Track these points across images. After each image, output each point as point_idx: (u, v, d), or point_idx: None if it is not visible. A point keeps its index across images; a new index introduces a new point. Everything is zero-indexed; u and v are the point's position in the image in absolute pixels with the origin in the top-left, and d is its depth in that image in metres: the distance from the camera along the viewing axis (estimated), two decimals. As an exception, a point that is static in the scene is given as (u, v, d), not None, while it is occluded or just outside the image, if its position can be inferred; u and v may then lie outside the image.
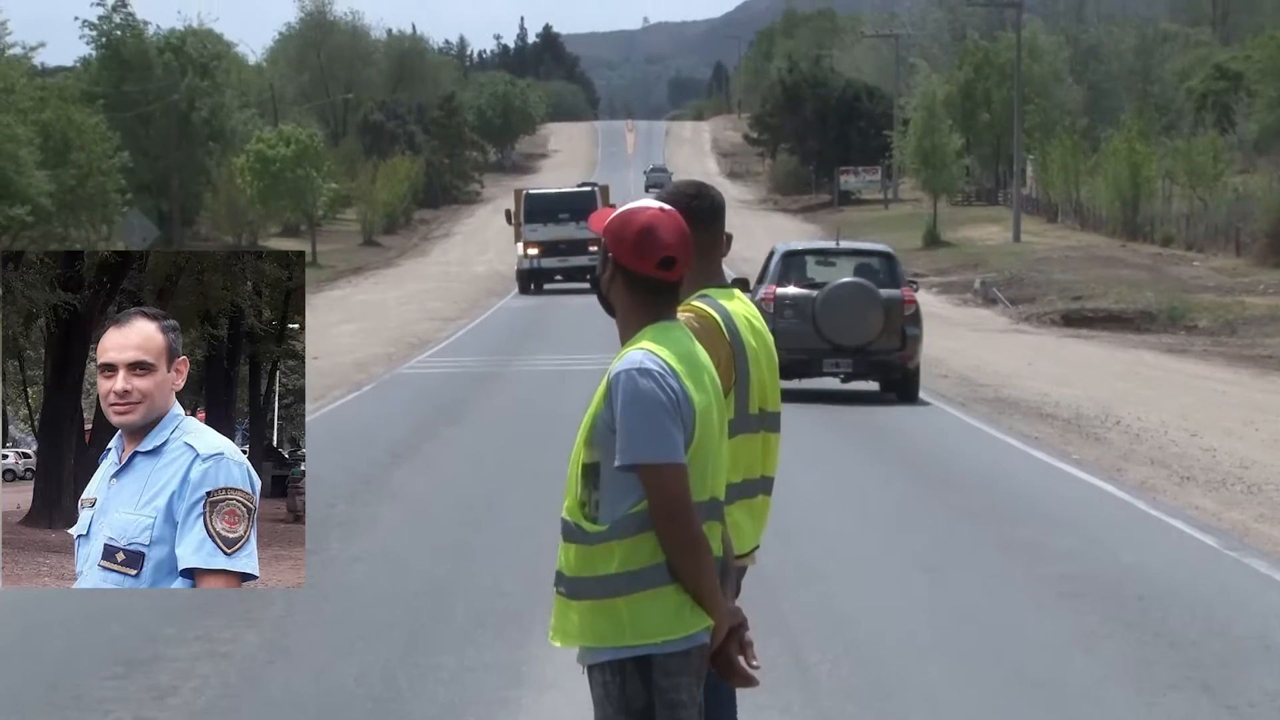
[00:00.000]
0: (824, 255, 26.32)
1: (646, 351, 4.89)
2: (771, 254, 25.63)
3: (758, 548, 6.00)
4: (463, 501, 15.92)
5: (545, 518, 14.23)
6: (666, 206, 5.15)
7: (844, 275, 24.92)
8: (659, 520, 4.82)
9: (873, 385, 25.39)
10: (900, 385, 25.01)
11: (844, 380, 24.95)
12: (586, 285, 52.76)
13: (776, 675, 8.85)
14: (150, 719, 8.79)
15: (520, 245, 59.21)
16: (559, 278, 58.44)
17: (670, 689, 4.85)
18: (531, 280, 58.60)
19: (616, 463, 4.81)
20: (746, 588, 5.84)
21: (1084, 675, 9.39)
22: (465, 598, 11.51)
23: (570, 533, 4.93)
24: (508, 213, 62.06)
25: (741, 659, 5.06)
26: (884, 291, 24.49)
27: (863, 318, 24.06)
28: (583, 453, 4.93)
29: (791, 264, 25.26)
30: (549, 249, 57.80)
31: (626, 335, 5.04)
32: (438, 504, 15.85)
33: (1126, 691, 9.10)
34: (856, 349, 24.31)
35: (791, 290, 24.52)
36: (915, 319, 24.90)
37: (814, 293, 24.31)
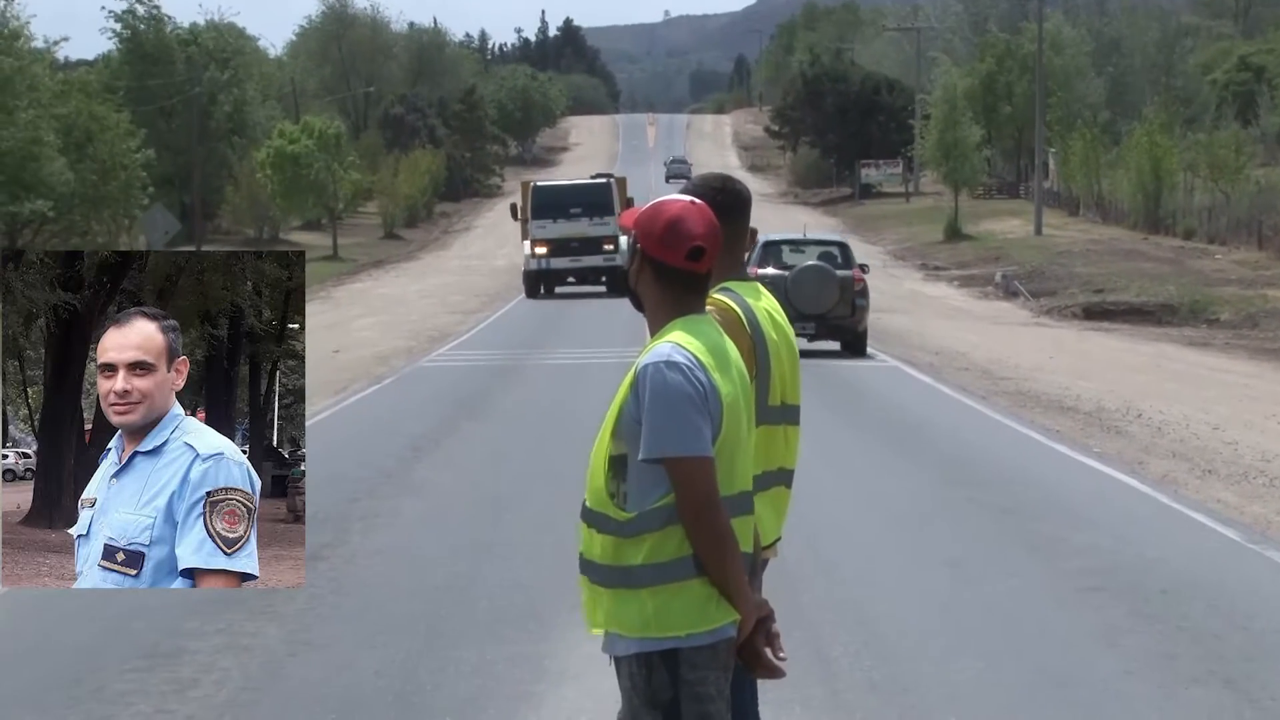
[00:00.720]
0: (795, 244, 33.26)
1: (675, 344, 4.88)
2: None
3: (779, 539, 6.00)
4: (483, 495, 15.91)
5: (565, 512, 14.22)
6: (695, 199, 5.14)
7: (809, 260, 31.74)
8: (686, 514, 4.81)
9: (835, 345, 31.80)
10: (852, 344, 31.80)
11: (810, 340, 30.73)
12: (602, 288, 51.85)
13: (798, 668, 8.83)
14: (172, 712, 8.80)
15: (527, 244, 52.82)
16: (571, 280, 53.60)
17: (697, 682, 4.84)
18: (540, 283, 53.15)
19: (641, 455, 4.80)
20: (768, 580, 5.83)
21: (1106, 670, 9.37)
22: (486, 591, 11.51)
23: (599, 521, 4.92)
24: (513, 207, 55.03)
25: (768, 650, 5.05)
26: (840, 272, 31.13)
27: (823, 292, 30.59)
28: (609, 444, 4.92)
29: (769, 251, 31.86)
30: (559, 248, 52.01)
31: (655, 327, 5.03)
32: (459, 498, 15.85)
33: (1149, 686, 9.08)
34: (818, 316, 30.82)
35: (769, 271, 30.42)
36: (864, 293, 31.44)
37: (786, 273, 30.60)
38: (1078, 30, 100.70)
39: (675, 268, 4.99)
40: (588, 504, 4.95)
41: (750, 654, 5.03)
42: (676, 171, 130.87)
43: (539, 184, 55.44)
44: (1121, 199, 77.39)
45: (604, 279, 52.26)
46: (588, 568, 4.96)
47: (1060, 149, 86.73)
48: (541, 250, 52.04)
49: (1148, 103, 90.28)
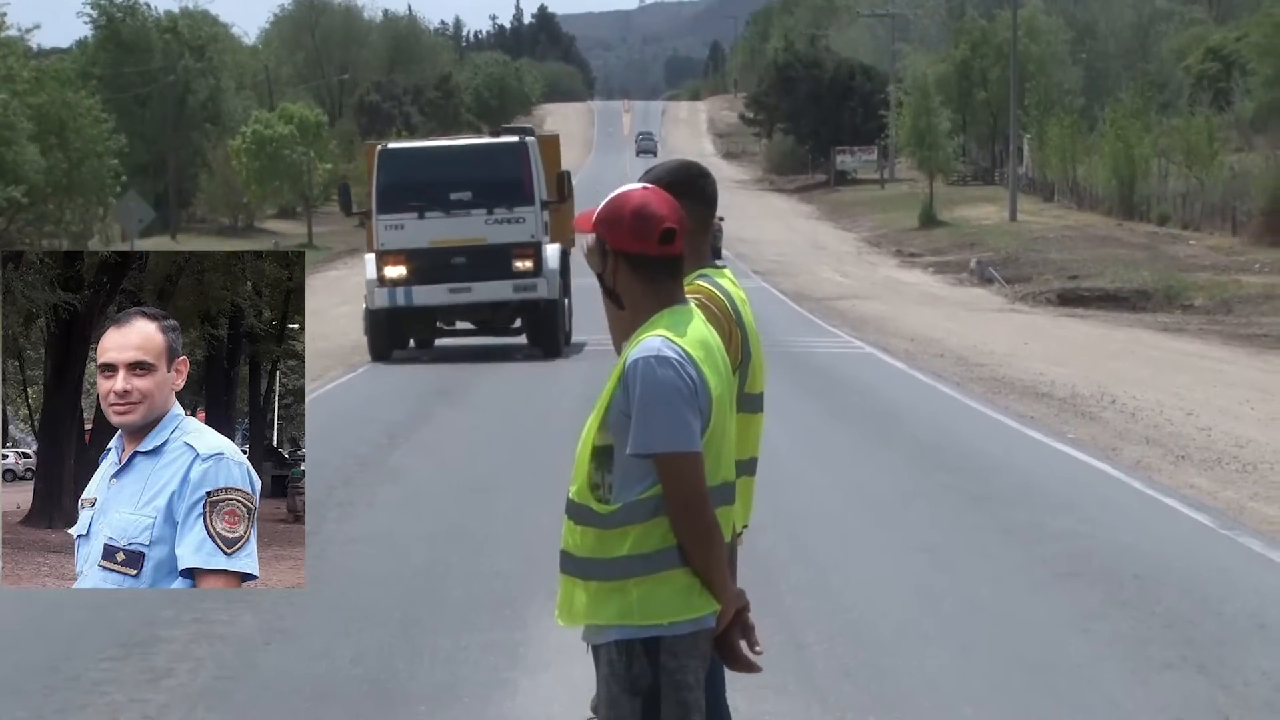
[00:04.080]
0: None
1: (664, 339, 4.87)
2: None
3: (746, 527, 6.02)
4: (459, 483, 15.92)
5: (541, 499, 14.26)
6: (648, 185, 5.14)
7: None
8: (674, 508, 4.83)
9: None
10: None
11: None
12: (517, 337, 31.51)
13: (772, 655, 8.81)
14: (146, 700, 8.80)
15: (370, 260, 30.03)
16: (457, 323, 31.78)
17: (677, 670, 4.86)
18: (395, 332, 30.42)
19: (630, 449, 4.81)
20: (743, 568, 5.85)
21: (1079, 655, 9.41)
22: (461, 580, 11.53)
23: (581, 514, 4.92)
24: (343, 191, 33.22)
25: (744, 644, 5.07)
26: None
27: None
28: (595, 436, 4.93)
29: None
30: (429, 266, 29.17)
31: (639, 321, 4.99)
32: (434, 486, 15.86)
33: (1122, 671, 9.11)
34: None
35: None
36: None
37: None
38: (1053, 17, 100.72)
39: (651, 256, 4.97)
40: (571, 496, 4.96)
41: (726, 647, 5.05)
42: (644, 147, 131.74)
43: (390, 146, 31.11)
44: (1096, 185, 77.52)
45: (518, 322, 31.15)
46: (567, 561, 4.97)
47: (1035, 135, 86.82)
48: (395, 271, 29.32)
49: (1123, 89, 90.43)
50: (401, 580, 11.56)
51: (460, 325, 31.82)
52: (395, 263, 29.34)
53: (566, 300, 31.08)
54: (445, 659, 9.40)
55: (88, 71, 77.29)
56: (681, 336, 4.89)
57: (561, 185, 30.01)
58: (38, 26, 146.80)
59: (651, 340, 4.87)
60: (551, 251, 29.98)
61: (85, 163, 62.14)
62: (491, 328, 31.23)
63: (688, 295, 5.17)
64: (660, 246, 4.97)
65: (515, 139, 30.38)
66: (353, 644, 9.75)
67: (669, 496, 4.83)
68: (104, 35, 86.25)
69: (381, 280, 29.37)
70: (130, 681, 9.09)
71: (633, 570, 4.84)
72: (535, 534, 13.06)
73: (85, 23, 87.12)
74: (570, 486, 4.98)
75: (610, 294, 5.07)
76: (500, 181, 29.41)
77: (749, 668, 5.11)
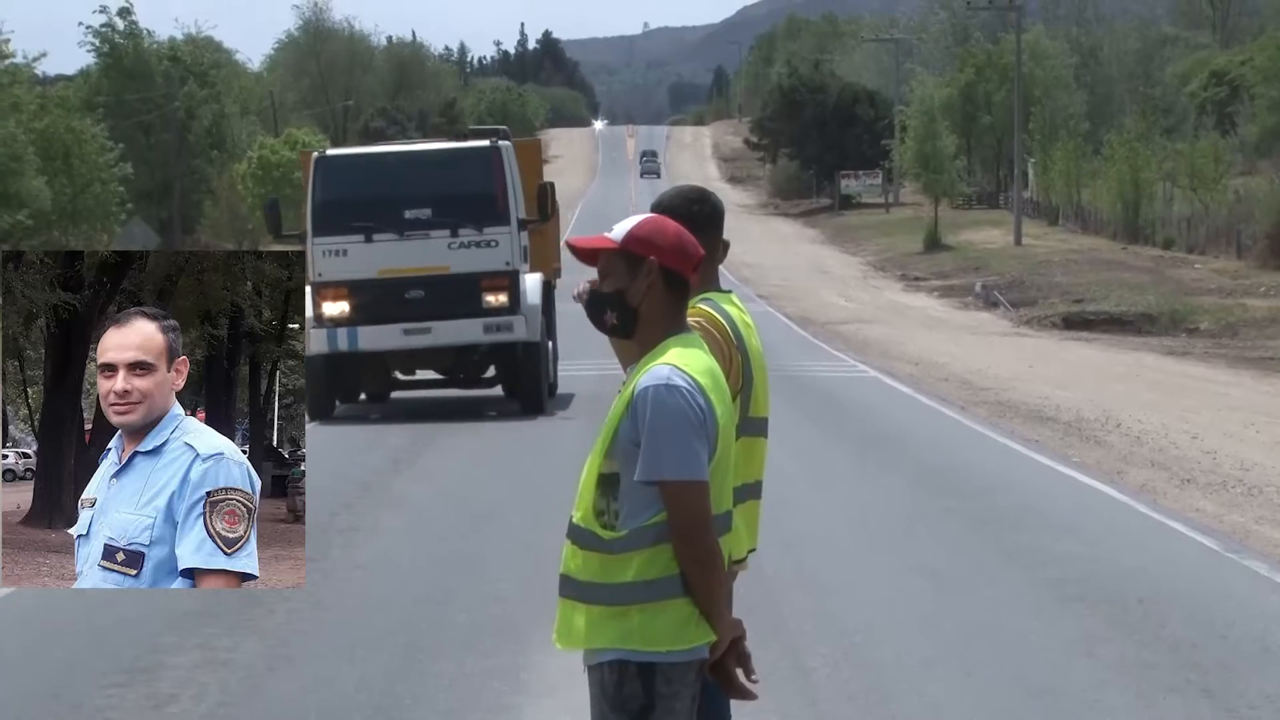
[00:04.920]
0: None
1: (673, 367, 4.90)
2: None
3: (754, 551, 6.02)
4: (462, 509, 15.91)
5: (544, 524, 14.24)
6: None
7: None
8: (678, 537, 4.85)
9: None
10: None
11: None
12: (490, 388, 26.14)
13: (776, 680, 8.84)
14: (149, 727, 8.78)
15: (309, 294, 23.54)
16: (418, 372, 26.10)
17: (670, 695, 4.89)
18: (333, 384, 24.59)
19: (638, 476, 4.83)
20: (747, 592, 5.84)
21: (1084, 679, 9.38)
22: (465, 605, 11.51)
23: (584, 539, 4.94)
24: (271, 207, 25.62)
25: (740, 672, 5.08)
26: None
27: None
28: (600, 463, 4.94)
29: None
30: (377, 300, 23.80)
31: (647, 345, 5.02)
32: (437, 511, 15.85)
33: (1127, 696, 9.09)
34: None
35: None
36: None
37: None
38: (1057, 41, 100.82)
39: (685, 279, 5.07)
40: (575, 520, 4.97)
41: (723, 675, 5.07)
42: (648, 168, 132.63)
43: (331, 153, 25.97)
44: (1101, 209, 77.54)
45: (492, 370, 25.80)
46: (567, 584, 4.98)
47: (1040, 159, 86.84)
48: (337, 308, 23.88)
49: (1127, 113, 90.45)
50: (405, 606, 11.54)
51: (421, 375, 26.02)
52: (336, 297, 23.61)
53: (550, 343, 25.37)
54: (449, 685, 9.39)
55: (92, 100, 77.42)
56: (690, 365, 4.92)
57: (544, 201, 23.94)
58: (44, 55, 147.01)
59: (660, 369, 4.90)
60: (531, 283, 24.17)
61: (90, 189, 62.26)
62: (459, 378, 25.70)
63: (690, 319, 5.20)
64: (693, 272, 5.07)
65: (486, 143, 24.13)
66: (357, 670, 9.73)
67: (673, 524, 4.85)
68: (107, 63, 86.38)
69: (319, 319, 23.51)
70: (134, 708, 9.07)
71: (636, 596, 4.86)
72: (538, 559, 13.05)
73: (88, 51, 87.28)
74: (574, 511, 4.99)
75: (625, 314, 5.05)
76: (468, 196, 23.68)
77: (745, 695, 5.13)
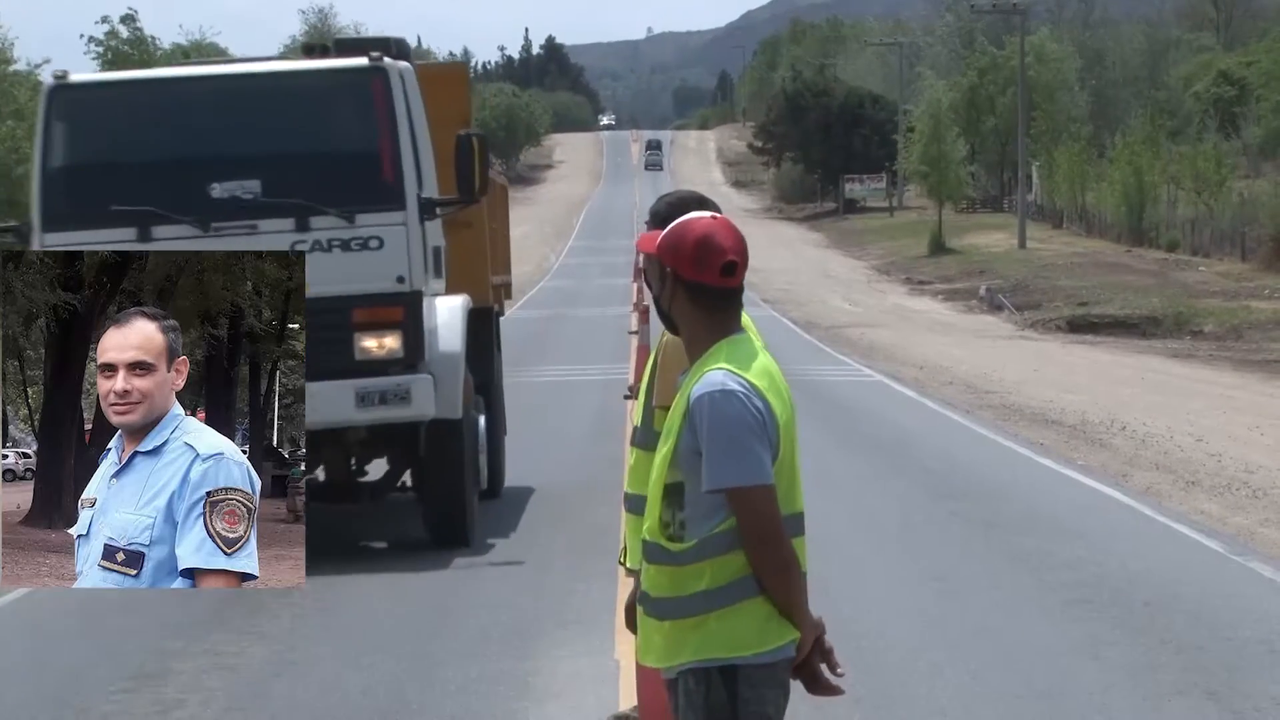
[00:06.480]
0: None
1: (727, 371, 4.81)
2: None
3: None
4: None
5: (550, 529, 14.25)
6: (718, 215, 5.08)
7: None
8: (750, 542, 4.80)
9: None
10: None
11: None
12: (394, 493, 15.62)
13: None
14: (157, 733, 8.80)
15: None
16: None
17: (755, 700, 4.82)
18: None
19: (705, 487, 4.76)
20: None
21: (1090, 682, 9.39)
22: (471, 610, 11.52)
23: (654, 554, 4.88)
24: None
25: (824, 668, 5.04)
26: None
27: None
28: (665, 473, 4.88)
29: None
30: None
31: (696, 352, 4.94)
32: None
33: (1133, 698, 9.09)
34: None
35: None
36: None
37: None
38: (1062, 44, 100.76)
39: (709, 286, 4.90)
40: (644, 536, 4.94)
41: (808, 673, 5.01)
42: (652, 160, 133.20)
43: (75, 80, 13.82)
44: (1106, 212, 77.52)
45: (379, 469, 15.47)
46: (646, 602, 4.94)
47: (1044, 162, 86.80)
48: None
49: (1132, 115, 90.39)
50: (411, 611, 11.55)
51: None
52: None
53: (484, 417, 15.89)
54: (456, 690, 9.40)
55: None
56: (743, 367, 4.84)
57: (467, 166, 13.80)
58: (47, 61, 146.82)
59: (714, 374, 4.81)
60: (446, 314, 14.44)
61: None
62: (323, 486, 14.81)
63: None
64: (721, 278, 4.90)
65: (362, 61, 13.80)
66: (363, 675, 9.74)
67: (745, 530, 4.79)
68: (111, 69, 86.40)
69: None
70: (141, 714, 9.09)
71: (712, 604, 4.80)
72: (544, 565, 13.08)
73: (93, 59, 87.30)
74: (643, 526, 4.95)
75: (665, 318, 5.04)
76: (327, 157, 13.86)
77: (831, 691, 5.05)
